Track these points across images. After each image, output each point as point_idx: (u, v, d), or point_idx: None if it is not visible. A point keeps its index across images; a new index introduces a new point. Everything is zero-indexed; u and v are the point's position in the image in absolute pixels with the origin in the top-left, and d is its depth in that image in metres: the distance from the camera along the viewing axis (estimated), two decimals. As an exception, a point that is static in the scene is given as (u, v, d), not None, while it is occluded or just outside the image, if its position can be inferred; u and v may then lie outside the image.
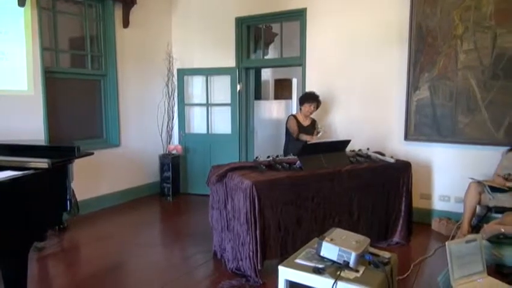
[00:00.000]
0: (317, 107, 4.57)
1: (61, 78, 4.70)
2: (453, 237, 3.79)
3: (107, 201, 5.14)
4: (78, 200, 4.42)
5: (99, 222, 4.62)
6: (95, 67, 5.12)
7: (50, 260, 3.58)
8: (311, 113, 4.57)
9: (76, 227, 4.38)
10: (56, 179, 2.49)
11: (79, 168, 4.33)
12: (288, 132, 4.61)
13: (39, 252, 3.69)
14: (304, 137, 4.44)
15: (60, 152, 2.74)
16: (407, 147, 4.50)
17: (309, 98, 4.52)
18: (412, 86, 4.39)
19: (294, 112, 6.17)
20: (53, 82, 4.56)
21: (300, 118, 4.58)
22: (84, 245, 3.99)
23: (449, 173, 4.37)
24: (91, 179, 4.87)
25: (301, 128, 4.52)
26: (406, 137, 4.49)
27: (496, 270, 2.43)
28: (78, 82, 4.94)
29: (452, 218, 4.23)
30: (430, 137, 4.38)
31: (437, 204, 4.48)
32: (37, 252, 3.66)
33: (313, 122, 4.62)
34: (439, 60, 4.25)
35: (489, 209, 3.82)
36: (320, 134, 4.45)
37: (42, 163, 2.37)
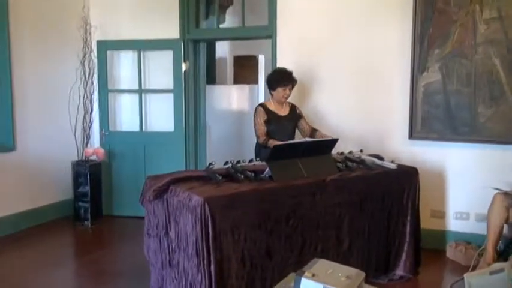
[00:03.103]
0: (293, 88, 4.52)
1: None
2: (474, 268, 3.91)
3: (-4, 229, 4.98)
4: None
5: (-16, 259, 4.45)
6: (-24, 38, 4.96)
7: None
8: (287, 98, 4.51)
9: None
10: None
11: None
12: None
13: None
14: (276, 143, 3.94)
15: None
16: (412, 148, 4.63)
17: (282, 79, 4.41)
18: (419, 67, 4.51)
19: (263, 100, 6.16)
20: None
21: (274, 107, 4.50)
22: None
23: (468, 182, 4.52)
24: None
25: (278, 120, 4.45)
26: (411, 135, 4.62)
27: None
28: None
29: (472, 242, 4.38)
30: (443, 134, 4.52)
31: (453, 224, 4.63)
32: None
33: (293, 108, 4.58)
34: (453, 32, 4.39)
35: (519, 229, 4.00)
36: None
37: None
